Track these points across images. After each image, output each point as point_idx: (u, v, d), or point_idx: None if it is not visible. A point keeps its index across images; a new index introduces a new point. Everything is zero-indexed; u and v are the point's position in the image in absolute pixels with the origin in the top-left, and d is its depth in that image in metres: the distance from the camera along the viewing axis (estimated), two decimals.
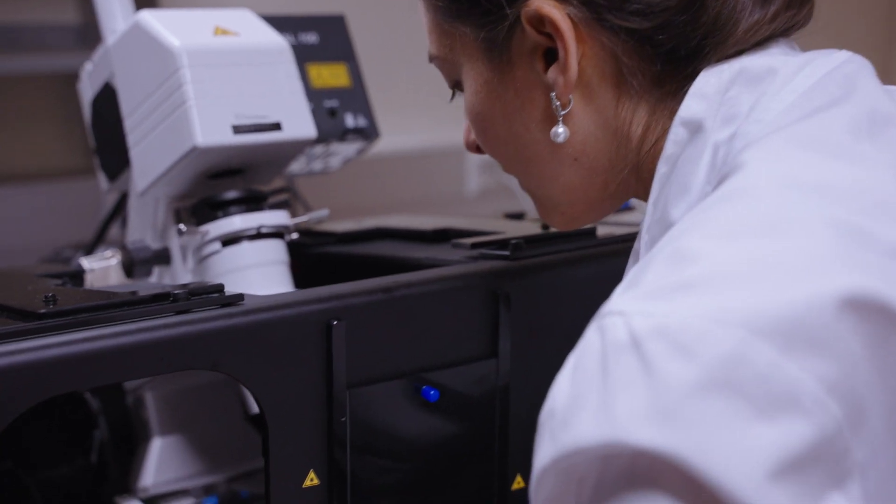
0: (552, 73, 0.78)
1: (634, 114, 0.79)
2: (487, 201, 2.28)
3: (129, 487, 1.22)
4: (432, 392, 0.96)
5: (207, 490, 1.23)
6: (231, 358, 0.88)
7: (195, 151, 1.04)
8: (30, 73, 1.96)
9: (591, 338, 0.63)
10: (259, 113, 1.08)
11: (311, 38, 1.32)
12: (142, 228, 1.20)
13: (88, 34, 1.93)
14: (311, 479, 0.93)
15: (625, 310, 0.62)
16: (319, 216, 1.15)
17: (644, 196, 0.81)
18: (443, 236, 1.20)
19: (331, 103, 1.30)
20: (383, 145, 1.52)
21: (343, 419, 0.93)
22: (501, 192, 2.33)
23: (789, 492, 0.57)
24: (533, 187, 0.87)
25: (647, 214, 0.77)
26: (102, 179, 1.26)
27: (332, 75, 1.32)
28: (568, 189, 0.83)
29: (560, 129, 0.79)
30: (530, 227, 1.16)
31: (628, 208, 1.28)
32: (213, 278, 1.08)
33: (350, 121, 1.31)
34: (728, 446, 0.57)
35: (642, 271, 0.65)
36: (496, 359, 1.00)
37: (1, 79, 1.94)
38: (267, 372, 0.89)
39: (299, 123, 1.10)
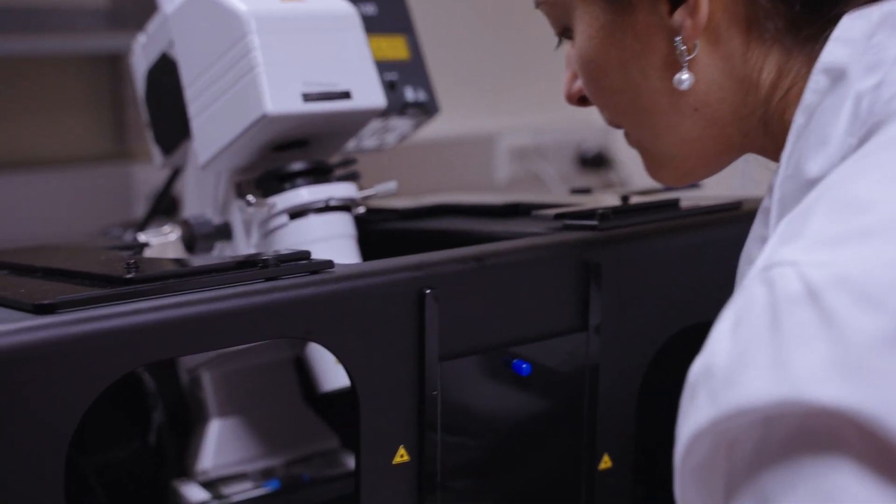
0: (679, 15, 0.74)
1: (765, 61, 0.75)
2: (517, 190, 2.24)
3: (185, 471, 1.18)
4: (524, 366, 0.92)
5: (266, 474, 1.19)
6: (323, 326, 0.84)
7: (264, 120, 1.00)
8: (57, 54, 1.91)
9: (755, 291, 0.59)
10: (328, 81, 1.04)
11: (369, 9, 1.28)
12: (200, 203, 1.16)
13: (117, 15, 1.89)
14: (402, 456, 0.90)
15: (797, 260, 0.58)
16: (387, 189, 1.11)
17: (770, 149, 0.78)
18: (513, 210, 1.16)
19: (390, 76, 1.26)
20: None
21: (435, 393, 0.89)
22: (531, 181, 2.30)
23: None
24: (645, 140, 0.83)
25: (779, 169, 0.74)
26: (156, 154, 1.22)
27: (390, 47, 1.28)
28: (685, 141, 0.80)
29: (685, 76, 0.76)
30: (608, 199, 1.12)
31: (696, 187, 1.25)
32: None
33: (410, 94, 1.27)
34: None
35: (802, 222, 0.61)
36: (586, 332, 0.96)
37: (28, 60, 1.89)
38: (358, 342, 0.86)
39: (369, 92, 1.07)
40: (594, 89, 0.83)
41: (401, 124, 1.32)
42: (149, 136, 1.23)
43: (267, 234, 1.08)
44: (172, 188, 1.28)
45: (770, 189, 0.75)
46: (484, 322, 0.92)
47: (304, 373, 1.24)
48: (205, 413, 1.19)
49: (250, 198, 1.05)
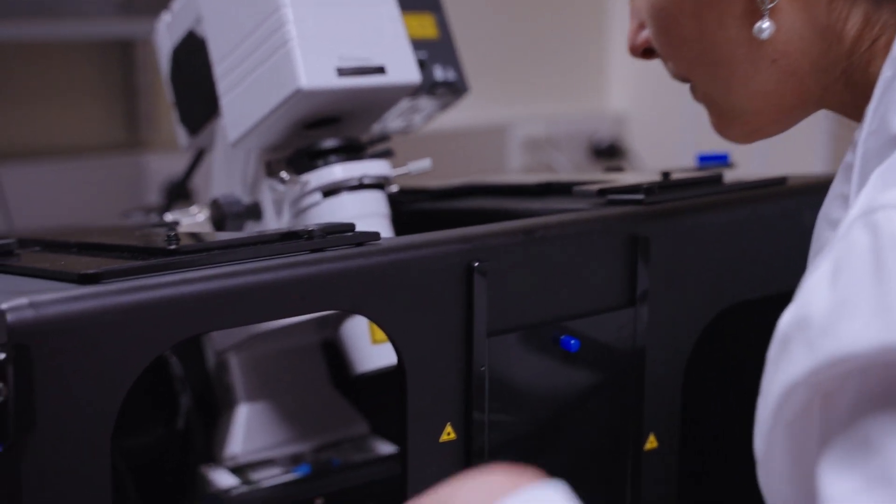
0: None
1: (851, 10, 0.72)
2: None
3: (212, 456, 1.16)
4: (572, 342, 0.90)
5: (294, 460, 1.17)
6: (370, 299, 0.82)
7: (298, 95, 0.98)
8: (67, 40, 1.89)
9: (856, 237, 0.57)
10: (362, 55, 1.02)
11: None
12: (229, 183, 1.14)
13: (129, 1, 1.86)
14: (448, 434, 0.87)
15: None
16: (421, 167, 1.09)
17: (849, 105, 0.75)
18: (548, 189, 1.14)
19: (419, 55, 1.23)
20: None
21: (483, 368, 0.87)
22: (543, 171, 2.28)
23: None
24: (716, 94, 0.80)
25: (862, 125, 0.71)
26: (181, 135, 1.19)
27: (419, 26, 1.26)
28: (759, 95, 0.77)
29: (766, 24, 0.73)
30: (648, 176, 1.10)
31: (728, 165, 1.23)
32: None
33: (439, 73, 1.25)
34: None
35: None
36: (633, 308, 0.94)
37: (38, 46, 1.86)
38: (406, 316, 0.83)
39: (404, 68, 1.04)
40: (664, 40, 0.80)
41: (428, 105, 1.29)
42: (174, 116, 1.21)
43: (299, 212, 1.05)
44: (196, 170, 1.26)
45: (853, 145, 0.72)
46: (531, 297, 0.89)
47: (332, 357, 1.22)
48: (232, 398, 1.17)
49: (284, 174, 1.03)
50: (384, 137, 1.09)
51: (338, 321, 1.08)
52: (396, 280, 0.83)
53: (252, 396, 1.16)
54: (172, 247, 0.79)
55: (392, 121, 1.31)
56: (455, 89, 1.26)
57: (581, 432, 0.94)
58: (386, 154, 1.08)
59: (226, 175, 1.14)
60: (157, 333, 0.74)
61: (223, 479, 1.13)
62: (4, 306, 0.69)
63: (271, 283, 0.78)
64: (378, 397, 1.27)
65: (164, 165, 1.89)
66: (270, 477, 1.14)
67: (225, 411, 1.18)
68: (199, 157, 1.23)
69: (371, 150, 1.08)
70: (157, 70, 1.99)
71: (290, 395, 1.18)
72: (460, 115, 2.21)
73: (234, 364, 1.16)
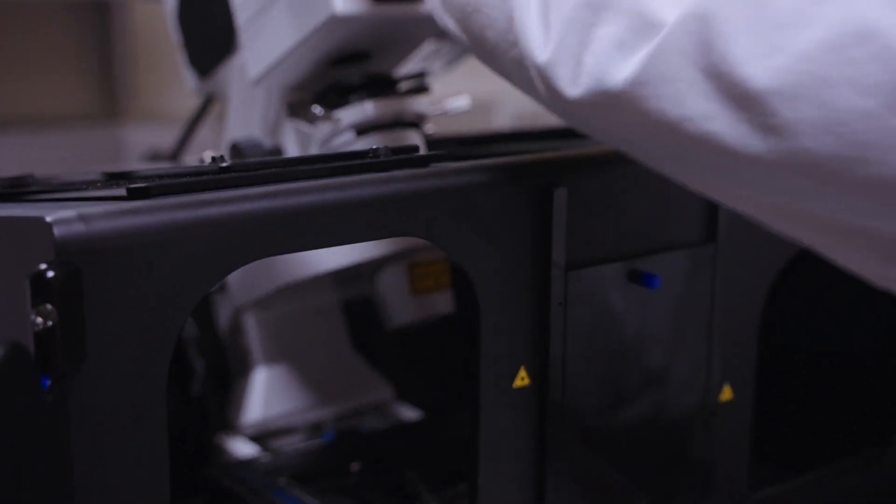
0: None
1: None
2: None
3: (227, 424, 1.07)
4: (654, 278, 0.82)
5: (315, 428, 1.08)
6: (442, 225, 0.73)
7: (332, 22, 0.89)
8: (38, 1, 1.78)
9: None
10: None
11: None
12: (246, 127, 1.05)
13: None
14: (522, 379, 0.79)
15: None
16: (459, 106, 1.01)
17: None
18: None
19: None
20: None
21: (560, 305, 0.79)
22: None
23: None
24: None
25: None
26: (189, 78, 1.10)
27: None
28: None
29: None
30: None
31: None
32: None
33: None
34: None
35: None
36: (714, 244, 0.86)
37: (7, 6, 1.75)
38: (479, 245, 0.75)
39: None
40: None
41: (450, 51, 1.21)
42: (181, 58, 1.11)
43: None
44: (206, 115, 1.16)
45: None
46: (610, 228, 0.81)
47: (353, 319, 1.13)
48: (249, 361, 1.08)
49: (317, 109, 0.94)
50: (421, 73, 1.01)
51: (370, 273, 0.99)
52: (469, 205, 0.74)
53: (271, 359, 1.07)
54: (224, 165, 0.70)
55: (411, 65, 1.22)
56: None
57: (655, 380, 0.86)
58: (422, 90, 0.99)
59: (243, 118, 1.05)
60: (220, 255, 0.65)
61: (242, 447, 1.03)
62: (50, 218, 0.60)
63: (338, 202, 0.69)
64: (400, 360, 1.19)
65: (144, 137, 1.79)
66: (291, 444, 1.05)
67: (240, 376, 1.08)
68: (207, 102, 1.14)
69: (407, 86, 0.99)
70: (136, 36, 1.90)
71: (311, 357, 1.09)
72: (448, 89, 2.13)
73: (252, 324, 1.07)
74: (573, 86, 0.63)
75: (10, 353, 0.58)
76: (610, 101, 0.62)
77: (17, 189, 0.78)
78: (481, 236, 0.75)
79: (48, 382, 0.59)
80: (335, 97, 0.95)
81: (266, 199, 0.67)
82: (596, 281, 0.81)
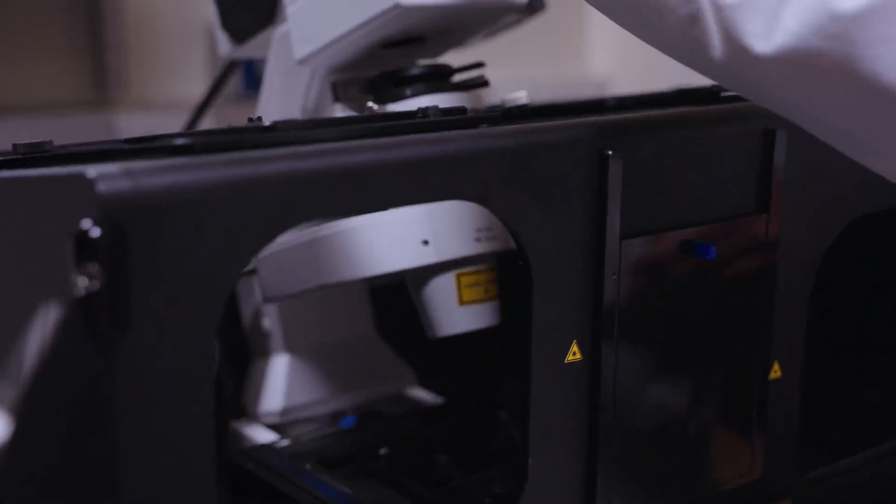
0: None
1: None
2: None
3: (245, 410, 1.02)
4: (710, 249, 0.78)
5: (335, 415, 1.03)
6: (495, 188, 0.69)
7: (396, 10, 0.82)
8: None
9: None
10: None
11: None
12: (285, 105, 0.98)
13: None
14: (574, 354, 0.75)
15: None
16: (518, 98, 0.94)
17: None
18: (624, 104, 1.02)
19: None
20: None
21: (614, 276, 0.75)
22: None
23: None
24: None
25: None
26: (222, 42, 1.03)
27: None
28: None
29: None
30: None
31: None
32: None
33: None
34: None
35: None
36: (766, 213, 0.83)
37: None
38: (532, 210, 0.71)
39: None
40: None
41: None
42: (215, 19, 1.04)
43: None
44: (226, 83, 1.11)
45: None
46: (665, 196, 0.78)
47: (378, 305, 1.08)
48: (269, 346, 1.03)
49: (372, 105, 0.87)
50: (478, 64, 0.94)
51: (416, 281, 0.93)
52: (522, 168, 0.70)
53: (293, 346, 1.02)
54: (267, 124, 0.66)
55: None
56: (534, 7, 1.11)
57: (708, 357, 0.83)
58: (482, 84, 0.93)
59: (281, 97, 0.98)
60: (272, 215, 0.60)
61: (258, 433, 0.99)
62: (93, 173, 0.55)
63: (390, 162, 0.65)
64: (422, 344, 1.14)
65: (136, 126, 1.73)
66: (314, 429, 1.01)
67: (259, 360, 1.04)
68: (228, 71, 1.08)
69: (464, 80, 0.93)
70: (128, 21, 1.84)
71: (335, 344, 1.05)
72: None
73: (274, 309, 1.02)
74: (764, 41, 0.58)
75: (53, 319, 0.54)
76: (810, 61, 0.56)
77: (39, 153, 0.73)
78: (535, 201, 0.71)
79: (93, 347, 0.55)
80: (391, 87, 0.89)
81: (317, 158, 0.63)
82: (651, 251, 0.77)
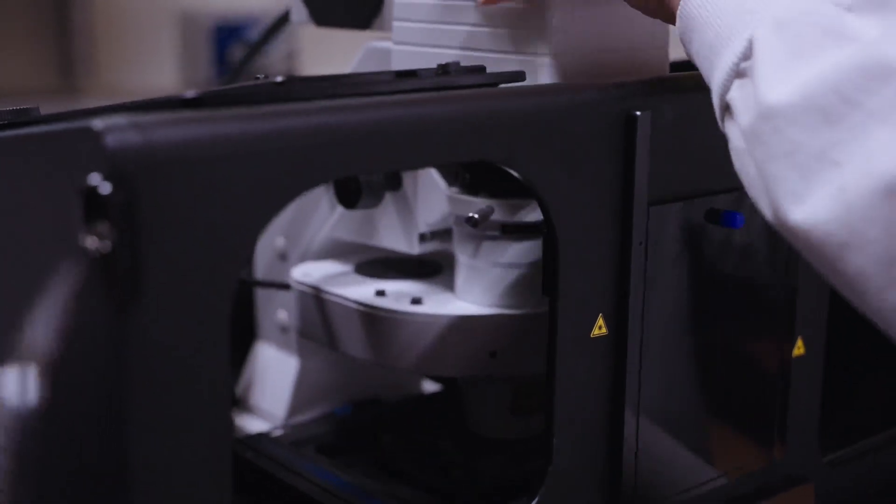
0: None
1: None
2: None
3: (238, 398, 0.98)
4: (737, 216, 0.74)
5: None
6: (520, 149, 0.65)
7: None
8: None
9: None
10: None
11: None
12: None
13: None
14: (600, 328, 0.71)
15: None
16: None
17: None
18: None
19: None
20: None
21: (641, 245, 0.71)
22: None
23: None
24: None
25: None
26: (298, 9, 0.92)
27: None
28: None
29: None
30: None
31: None
32: None
33: None
34: None
35: None
36: None
37: None
38: (558, 174, 0.67)
39: None
40: None
41: None
42: None
43: None
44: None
45: None
46: (691, 162, 0.74)
47: None
48: (280, 340, 0.98)
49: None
50: None
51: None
52: (548, 129, 0.66)
53: (306, 351, 0.96)
54: (279, 80, 0.62)
55: None
56: None
57: (732, 331, 0.79)
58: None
59: None
60: (287, 172, 0.56)
61: (253, 423, 0.95)
62: (100, 125, 0.51)
63: (410, 119, 0.61)
64: None
65: None
66: (311, 417, 0.96)
67: (266, 346, 0.99)
68: (282, 20, 0.98)
69: None
70: (96, 7, 1.79)
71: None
72: None
73: (294, 305, 0.97)
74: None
75: (63, 282, 0.50)
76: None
77: (26, 120, 0.68)
78: (561, 164, 0.67)
79: (106, 311, 0.50)
80: None
81: (334, 114, 0.58)
82: (677, 219, 0.73)
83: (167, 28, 1.84)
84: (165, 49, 1.84)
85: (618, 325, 0.72)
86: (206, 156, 0.53)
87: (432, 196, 0.81)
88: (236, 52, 1.86)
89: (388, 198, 0.83)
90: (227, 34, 1.88)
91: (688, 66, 0.76)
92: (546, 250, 0.68)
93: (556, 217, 0.67)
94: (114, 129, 0.51)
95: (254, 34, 1.83)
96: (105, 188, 0.50)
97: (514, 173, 0.66)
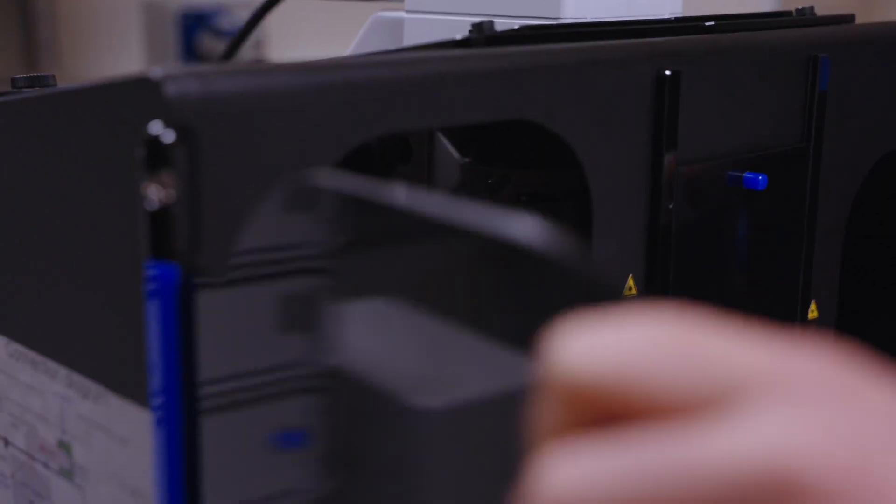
0: None
1: None
2: None
3: None
4: (760, 178, 0.75)
5: None
6: (556, 107, 0.65)
7: None
8: None
9: None
10: None
11: None
12: None
13: None
14: (630, 289, 0.71)
15: None
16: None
17: None
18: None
19: None
20: None
21: (670, 206, 0.71)
22: None
23: None
24: None
25: None
26: None
27: None
28: None
29: None
30: None
31: None
32: None
33: None
34: None
35: None
36: (809, 143, 0.80)
37: None
38: (593, 133, 0.67)
39: None
40: None
41: None
42: None
43: None
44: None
45: None
46: (716, 123, 0.74)
47: None
48: None
49: None
50: None
51: None
52: (583, 86, 0.66)
53: None
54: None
55: None
56: None
57: (752, 292, 0.80)
58: None
59: None
60: (345, 123, 0.56)
61: None
62: (159, 73, 0.50)
63: (462, 74, 0.60)
64: None
65: None
66: None
67: None
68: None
69: None
70: None
71: None
72: None
73: None
74: None
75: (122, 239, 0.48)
76: None
77: (42, 86, 0.67)
78: (595, 123, 0.67)
79: (169, 268, 0.49)
80: None
81: (387, 67, 0.58)
82: (702, 180, 0.73)
83: (132, 16, 1.81)
84: (131, 37, 1.82)
85: (647, 283, 0.71)
86: (263, 106, 0.52)
87: (445, 168, 0.80)
88: (203, 40, 1.84)
89: (399, 172, 0.82)
90: (193, 22, 1.86)
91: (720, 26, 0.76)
92: (581, 210, 0.68)
93: (591, 176, 0.67)
94: (173, 78, 0.50)
95: (221, 23, 1.81)
96: (168, 136, 0.49)
97: (557, 132, 0.65)
